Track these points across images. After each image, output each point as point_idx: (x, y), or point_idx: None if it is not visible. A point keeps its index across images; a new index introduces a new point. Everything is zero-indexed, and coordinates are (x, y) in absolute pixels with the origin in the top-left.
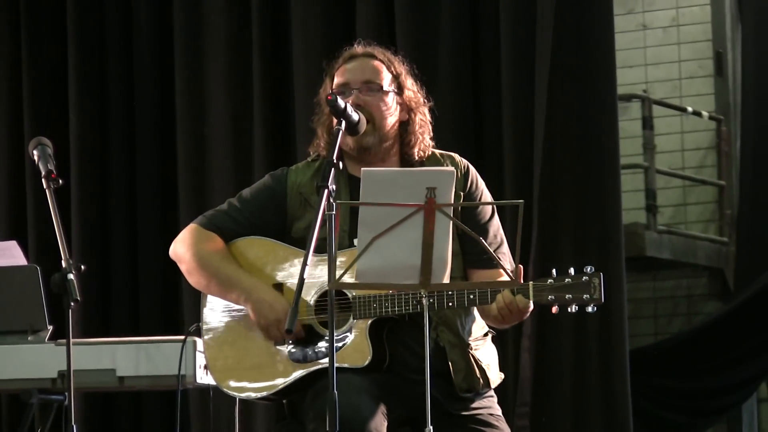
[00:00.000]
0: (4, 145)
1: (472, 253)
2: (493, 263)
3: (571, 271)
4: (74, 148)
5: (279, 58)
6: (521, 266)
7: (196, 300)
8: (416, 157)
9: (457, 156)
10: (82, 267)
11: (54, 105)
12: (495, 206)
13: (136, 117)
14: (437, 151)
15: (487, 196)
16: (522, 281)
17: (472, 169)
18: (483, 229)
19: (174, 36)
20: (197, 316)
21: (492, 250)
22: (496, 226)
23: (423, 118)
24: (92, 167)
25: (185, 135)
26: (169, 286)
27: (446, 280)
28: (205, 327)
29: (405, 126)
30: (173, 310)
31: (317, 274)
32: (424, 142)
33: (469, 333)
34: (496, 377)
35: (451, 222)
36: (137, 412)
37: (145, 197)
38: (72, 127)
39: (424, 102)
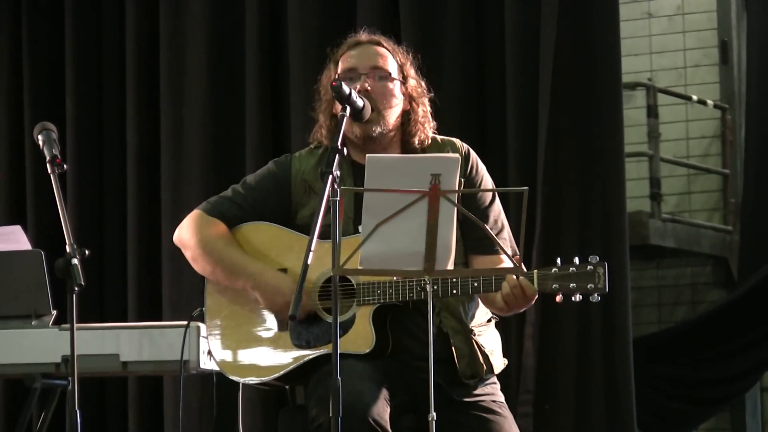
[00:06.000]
0: (4, 131)
1: (473, 239)
2: (494, 249)
3: (576, 260)
4: (70, 132)
5: (274, 46)
6: (520, 258)
7: (189, 285)
8: (417, 147)
9: (457, 141)
10: (86, 252)
11: (53, 92)
12: (496, 193)
13: (127, 102)
14: (438, 137)
15: (487, 180)
16: (524, 269)
17: (473, 154)
18: (483, 214)
19: (159, 22)
20: (200, 302)
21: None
22: (496, 211)
23: (425, 109)
24: (88, 151)
25: (167, 119)
26: (154, 272)
27: (450, 266)
28: (208, 312)
29: (407, 115)
30: (157, 295)
31: (321, 261)
32: (424, 131)
33: (473, 319)
34: (499, 363)
35: (456, 208)
36: (130, 397)
37: (136, 183)
38: (68, 111)
39: (425, 93)
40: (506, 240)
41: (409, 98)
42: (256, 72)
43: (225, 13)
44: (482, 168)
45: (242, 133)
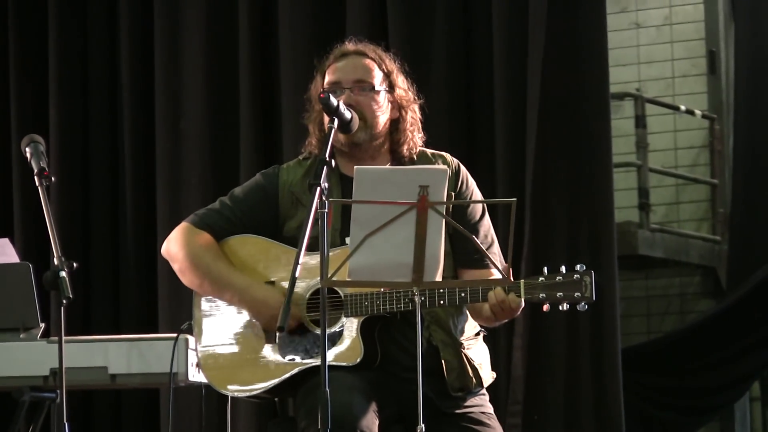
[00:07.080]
0: None
1: (463, 253)
2: (484, 263)
3: (563, 269)
4: (54, 143)
5: (266, 54)
6: (509, 267)
7: (188, 298)
8: (406, 154)
9: (448, 155)
10: (74, 264)
11: (39, 103)
12: (486, 206)
13: (118, 113)
14: (428, 150)
15: (477, 195)
16: (513, 279)
17: (463, 169)
18: (473, 229)
19: (154, 31)
20: (189, 314)
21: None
22: (486, 226)
23: (413, 116)
24: (72, 163)
25: (163, 130)
26: (151, 284)
27: (438, 278)
28: (196, 325)
29: (395, 124)
30: (153, 307)
31: (309, 273)
32: (413, 139)
33: (462, 332)
34: (488, 376)
35: (444, 220)
36: (120, 409)
37: (126, 194)
38: (52, 122)
39: (414, 99)
40: (495, 255)
41: (398, 106)
42: (250, 79)
43: (219, 18)
44: (472, 183)
45: (237, 141)
